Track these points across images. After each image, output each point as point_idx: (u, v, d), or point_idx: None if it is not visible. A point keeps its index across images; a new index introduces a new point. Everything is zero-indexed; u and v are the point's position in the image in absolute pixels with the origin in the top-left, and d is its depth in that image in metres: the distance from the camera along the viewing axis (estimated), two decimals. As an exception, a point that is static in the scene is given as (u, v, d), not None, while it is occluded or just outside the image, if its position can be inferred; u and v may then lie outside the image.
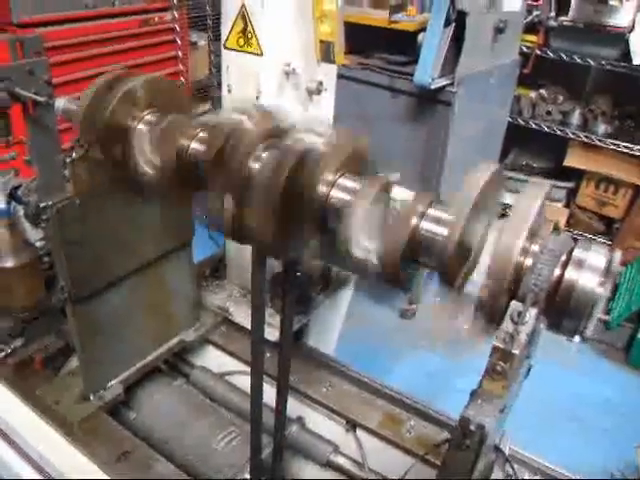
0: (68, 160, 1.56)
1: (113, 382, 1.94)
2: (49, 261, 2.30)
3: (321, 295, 2.41)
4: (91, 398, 1.87)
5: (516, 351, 0.92)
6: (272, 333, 2.03)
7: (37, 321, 2.17)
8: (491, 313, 0.94)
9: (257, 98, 1.93)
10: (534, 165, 5.15)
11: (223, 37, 1.96)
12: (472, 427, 0.91)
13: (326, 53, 1.93)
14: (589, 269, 0.92)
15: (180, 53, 4.21)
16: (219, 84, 4.54)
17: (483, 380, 0.96)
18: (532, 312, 0.93)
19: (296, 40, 1.92)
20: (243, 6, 1.87)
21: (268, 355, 2.05)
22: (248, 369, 2.21)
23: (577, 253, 0.94)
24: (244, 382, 2.21)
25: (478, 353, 1.01)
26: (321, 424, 2.08)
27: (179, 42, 4.19)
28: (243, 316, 2.28)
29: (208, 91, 4.78)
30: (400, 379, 3.24)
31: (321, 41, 1.92)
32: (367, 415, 2.01)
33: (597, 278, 0.91)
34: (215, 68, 4.73)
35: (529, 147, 5.09)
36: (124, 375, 1.97)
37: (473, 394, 0.97)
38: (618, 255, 0.92)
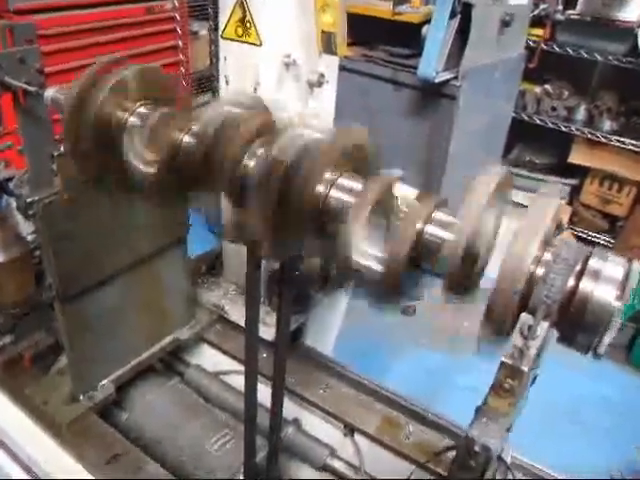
0: (55, 154, 1.50)
1: (104, 382, 1.88)
2: (40, 255, 2.25)
3: (320, 293, 2.35)
4: (81, 398, 1.81)
5: (525, 368, 0.87)
6: (268, 332, 1.97)
7: (27, 317, 2.11)
8: (500, 326, 0.88)
9: (255, 90, 1.86)
10: (537, 161, 5.08)
11: (221, 26, 1.89)
12: (477, 448, 0.85)
13: (327, 44, 1.86)
14: (606, 280, 0.86)
15: (180, 43, 4.12)
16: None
17: (489, 397, 0.90)
18: (543, 325, 0.87)
19: (296, 30, 1.84)
20: (242, -6, 1.79)
21: (264, 355, 2.00)
22: (243, 369, 2.18)
23: (593, 263, 0.88)
24: (239, 382, 2.16)
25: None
26: (318, 427, 2.03)
27: (179, 31, 4.10)
28: (239, 314, 2.22)
29: (209, 82, 4.71)
30: (400, 376, 3.19)
31: (323, 31, 1.84)
32: (365, 419, 1.96)
33: (614, 290, 0.85)
34: (216, 58, 4.65)
35: (533, 143, 5.02)
36: (115, 375, 1.91)
37: (478, 411, 0.91)
38: (637, 266, 0.86)
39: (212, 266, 2.47)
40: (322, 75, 1.93)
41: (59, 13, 3.42)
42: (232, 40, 1.87)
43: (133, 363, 1.97)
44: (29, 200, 1.49)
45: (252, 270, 1.26)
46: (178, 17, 4.09)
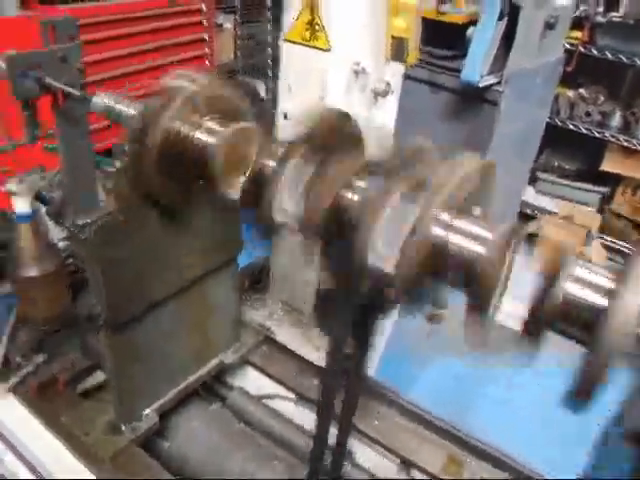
0: (114, 170, 1.34)
1: (147, 411, 1.73)
2: (75, 263, 2.11)
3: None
4: (123, 429, 1.67)
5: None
6: (318, 356, 1.85)
7: (60, 333, 1.97)
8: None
9: (322, 99, 1.70)
10: (566, 167, 4.93)
11: (284, 28, 1.72)
12: None
13: (398, 51, 1.70)
14: None
15: (206, 35, 3.96)
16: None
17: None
18: None
19: (367, 36, 1.68)
20: (312, -6, 1.63)
21: (315, 382, 1.88)
22: (289, 394, 2.05)
23: None
24: (285, 407, 2.03)
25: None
26: (372, 459, 1.89)
27: (205, 24, 3.94)
28: (286, 336, 2.07)
29: (232, 75, 4.57)
30: (428, 385, 3.07)
31: (393, 37, 1.69)
32: (422, 454, 1.82)
33: None
34: (240, 52, 4.52)
35: (563, 148, 4.87)
36: (159, 403, 1.76)
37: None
38: None
39: (257, 280, 2.28)
40: (388, 84, 1.78)
41: (84, 4, 3.26)
42: (297, 44, 1.71)
43: (177, 390, 1.82)
44: (81, 223, 1.32)
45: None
46: (204, 9, 3.93)
